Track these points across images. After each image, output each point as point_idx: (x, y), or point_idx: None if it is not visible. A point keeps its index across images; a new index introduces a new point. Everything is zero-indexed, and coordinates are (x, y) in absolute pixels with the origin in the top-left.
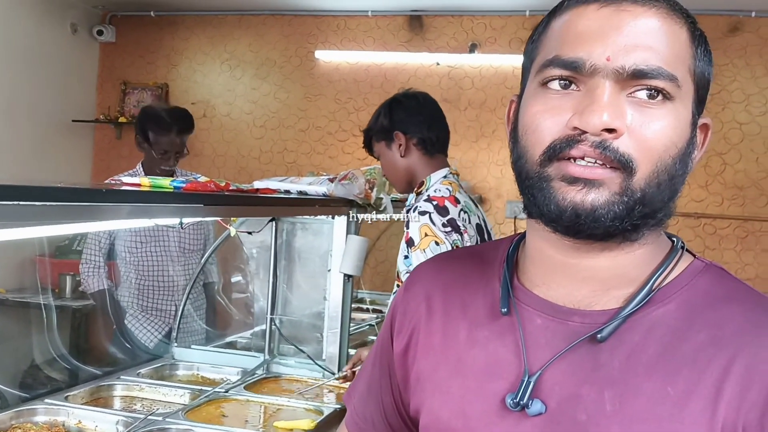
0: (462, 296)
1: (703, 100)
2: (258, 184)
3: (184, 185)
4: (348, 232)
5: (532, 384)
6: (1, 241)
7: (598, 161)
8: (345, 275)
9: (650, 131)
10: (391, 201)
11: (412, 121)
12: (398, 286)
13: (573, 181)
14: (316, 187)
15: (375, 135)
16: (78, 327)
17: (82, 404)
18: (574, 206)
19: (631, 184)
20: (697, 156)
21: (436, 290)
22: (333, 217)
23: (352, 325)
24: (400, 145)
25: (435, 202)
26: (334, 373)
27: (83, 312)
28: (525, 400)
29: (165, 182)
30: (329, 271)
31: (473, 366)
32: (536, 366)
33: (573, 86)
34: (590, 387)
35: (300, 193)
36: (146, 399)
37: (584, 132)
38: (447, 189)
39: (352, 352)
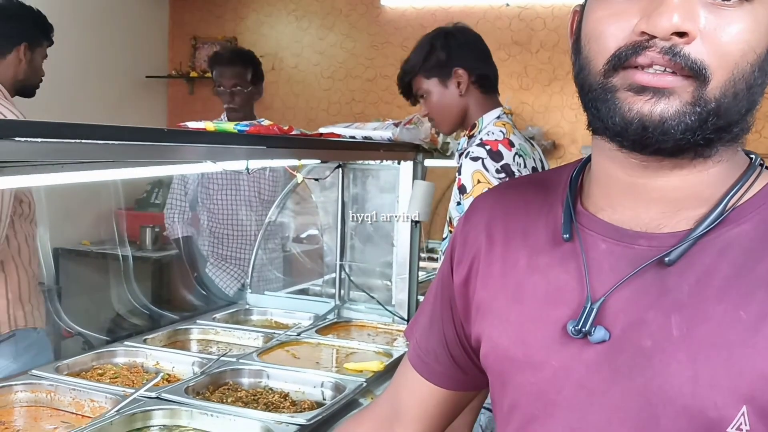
0: (523, 224)
1: None
2: (322, 130)
3: (247, 128)
4: (414, 178)
5: (595, 310)
6: (78, 190)
7: (667, 69)
8: (412, 221)
9: (726, 35)
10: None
11: (472, 56)
12: (450, 232)
13: (640, 90)
14: (381, 132)
15: (426, 71)
16: (157, 276)
17: (159, 347)
18: (641, 118)
19: (704, 93)
20: None
21: (497, 219)
22: (399, 163)
23: (422, 274)
24: (459, 83)
25: (488, 147)
26: (404, 319)
27: (162, 262)
28: (587, 327)
29: (229, 126)
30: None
31: (533, 293)
32: (599, 292)
33: None
34: (656, 312)
35: (365, 138)
36: (221, 342)
37: (652, 37)
38: (500, 131)
39: (420, 298)
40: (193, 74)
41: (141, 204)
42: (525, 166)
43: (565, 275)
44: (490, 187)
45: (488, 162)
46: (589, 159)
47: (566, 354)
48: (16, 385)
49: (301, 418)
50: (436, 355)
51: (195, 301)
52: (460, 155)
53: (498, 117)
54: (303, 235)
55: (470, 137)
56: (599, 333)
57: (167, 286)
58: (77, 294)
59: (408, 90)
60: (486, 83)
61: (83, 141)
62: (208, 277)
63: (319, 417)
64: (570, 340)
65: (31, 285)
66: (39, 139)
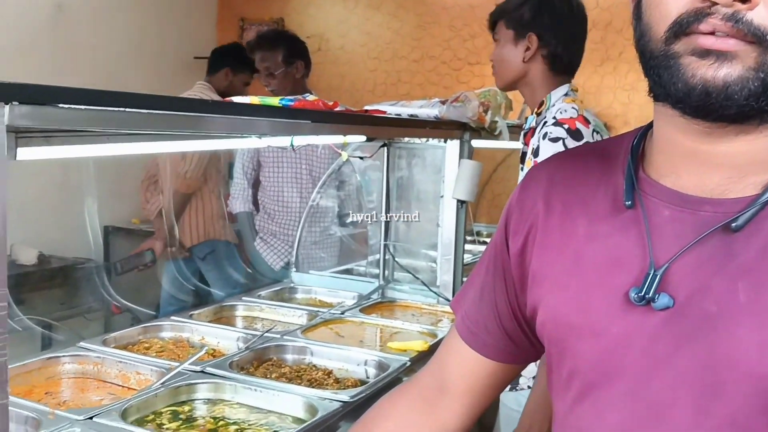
0: (582, 192)
1: None
2: (368, 108)
3: (292, 103)
4: (461, 157)
5: (658, 277)
6: (127, 166)
7: (730, 35)
8: (458, 201)
9: None
10: (508, 126)
11: (554, 30)
12: None
13: (704, 54)
14: (427, 110)
15: (508, 20)
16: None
17: (205, 322)
18: (705, 83)
19: (767, 59)
20: None
21: (555, 188)
22: (445, 141)
23: (467, 257)
24: (528, 48)
25: (566, 126)
26: (449, 300)
27: None
28: (651, 294)
29: (274, 100)
30: (442, 197)
31: (593, 260)
32: (663, 259)
33: None
34: (722, 278)
35: (411, 116)
36: (266, 319)
37: (714, 3)
38: (573, 108)
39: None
40: None
41: None
42: None
43: (626, 242)
44: None
45: (569, 142)
46: (649, 126)
47: (628, 321)
48: (63, 356)
49: (345, 395)
50: (487, 326)
51: (241, 278)
52: (525, 134)
53: (566, 94)
54: (347, 215)
55: (538, 115)
56: (663, 300)
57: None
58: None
59: (494, 27)
60: (558, 64)
61: (127, 110)
62: (257, 253)
63: (363, 394)
64: (632, 307)
65: (221, 209)
66: (83, 107)
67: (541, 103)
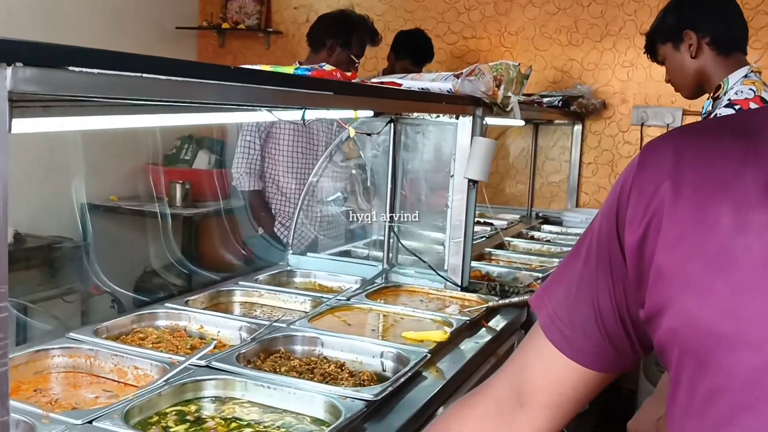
0: (719, 174)
1: None
2: (375, 81)
3: (309, 72)
4: (473, 134)
5: None
6: (107, 142)
7: None
8: (469, 181)
9: None
10: (520, 103)
11: (705, 17)
12: None
13: None
14: (440, 83)
15: (660, 36)
16: (187, 234)
17: (201, 309)
18: None
19: None
20: None
21: (684, 168)
22: (457, 118)
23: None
24: (691, 45)
25: (737, 107)
26: (458, 285)
27: (193, 220)
28: None
29: (288, 69)
30: (452, 176)
31: (746, 257)
32: None
33: None
34: None
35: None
36: (266, 305)
37: None
38: (750, 89)
39: (474, 264)
40: (225, 26)
41: (170, 160)
42: None
43: None
44: None
45: None
46: None
47: None
48: (53, 349)
49: (368, 393)
50: (584, 328)
51: (234, 260)
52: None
53: (745, 76)
54: (348, 194)
55: (715, 99)
56: None
57: (201, 245)
58: (107, 251)
59: (654, 53)
60: (724, 44)
61: (145, 75)
62: (274, 236)
63: (386, 392)
64: None
65: None
66: (96, 70)
67: (718, 88)
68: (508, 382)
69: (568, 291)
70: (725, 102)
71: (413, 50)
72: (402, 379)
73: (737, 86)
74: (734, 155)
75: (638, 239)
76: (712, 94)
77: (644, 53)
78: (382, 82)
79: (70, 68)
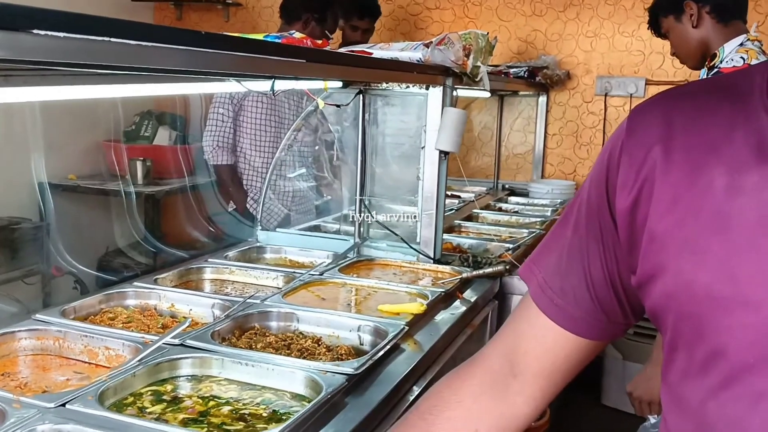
0: (709, 136)
1: None
2: (345, 50)
3: (279, 40)
4: (443, 105)
5: None
6: (64, 117)
7: None
8: (441, 152)
9: None
10: (488, 73)
11: None
12: None
13: None
14: (409, 53)
15: (661, 9)
16: (150, 213)
17: (171, 287)
18: None
19: None
20: None
21: (673, 132)
22: (427, 88)
23: None
24: (692, 15)
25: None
26: (431, 257)
27: (155, 198)
28: None
29: (258, 36)
30: (423, 148)
31: (741, 219)
32: None
33: None
34: None
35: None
36: (237, 282)
37: None
38: (741, 57)
39: (445, 236)
40: None
41: (129, 136)
42: None
43: None
44: None
45: None
46: None
47: None
48: (19, 331)
49: (348, 367)
50: (575, 296)
51: (201, 237)
52: None
53: (741, 44)
54: (317, 168)
55: (711, 68)
56: None
57: (165, 223)
58: (67, 231)
59: (657, 27)
60: (723, 12)
61: (112, 39)
62: (247, 212)
63: (366, 365)
64: None
65: None
66: (62, 34)
67: (714, 56)
68: (501, 353)
69: (558, 260)
70: (715, 71)
71: (353, 2)
72: (381, 353)
73: (731, 54)
74: (723, 117)
75: (630, 205)
76: (707, 63)
77: (648, 28)
78: (352, 51)
79: (35, 31)
